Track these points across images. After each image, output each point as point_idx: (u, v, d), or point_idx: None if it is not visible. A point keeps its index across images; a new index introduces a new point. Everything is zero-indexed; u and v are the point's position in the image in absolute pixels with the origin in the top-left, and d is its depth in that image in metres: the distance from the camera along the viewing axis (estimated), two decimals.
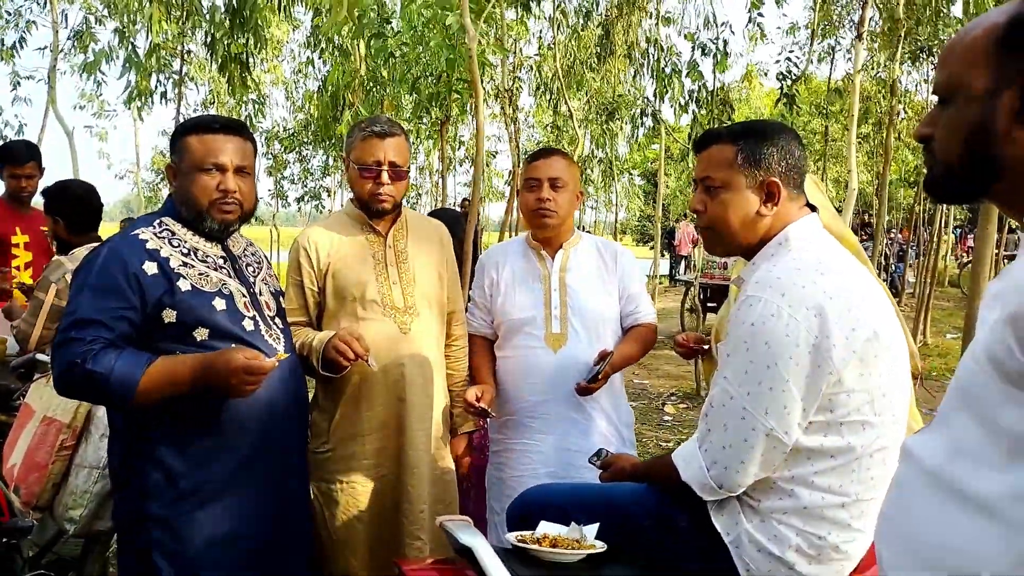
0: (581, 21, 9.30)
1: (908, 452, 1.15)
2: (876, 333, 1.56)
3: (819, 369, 1.50)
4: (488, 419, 2.62)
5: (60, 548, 2.90)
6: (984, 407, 1.01)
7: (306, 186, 16.52)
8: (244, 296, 2.09)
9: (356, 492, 2.37)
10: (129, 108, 5.97)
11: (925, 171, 1.18)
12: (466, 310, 2.74)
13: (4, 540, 2.02)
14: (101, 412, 2.54)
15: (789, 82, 8.09)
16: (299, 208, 17.93)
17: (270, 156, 12.94)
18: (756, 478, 1.57)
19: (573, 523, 1.72)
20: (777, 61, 8.29)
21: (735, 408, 1.55)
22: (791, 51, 8.36)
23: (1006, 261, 11.55)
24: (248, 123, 9.01)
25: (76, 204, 3.28)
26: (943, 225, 11.14)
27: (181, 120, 7.58)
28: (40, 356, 2.93)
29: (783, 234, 1.67)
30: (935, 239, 11.20)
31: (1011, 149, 1.02)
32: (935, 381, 7.74)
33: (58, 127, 7.80)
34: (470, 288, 2.87)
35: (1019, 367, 0.95)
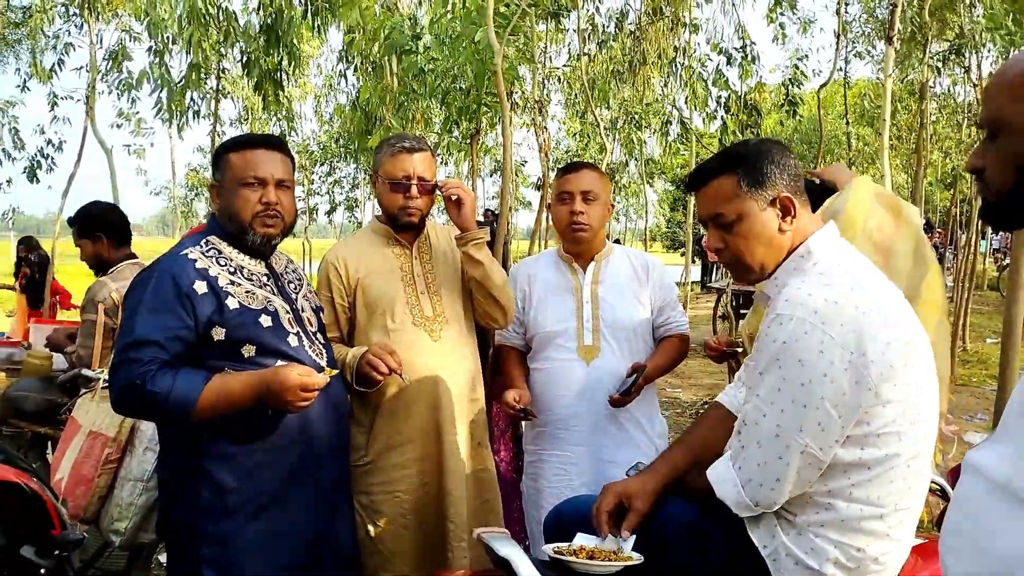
0: (612, 31, 9.33)
1: (972, 465, 1.16)
2: (908, 342, 1.55)
3: (856, 386, 1.49)
4: (525, 423, 2.66)
5: (105, 562, 2.98)
6: None
7: (333, 200, 16.74)
8: (288, 313, 2.14)
9: (400, 501, 2.41)
10: (167, 124, 6.10)
11: (980, 200, 1.22)
12: None
13: (56, 552, 2.08)
14: (145, 426, 2.60)
15: (796, 89, 8.05)
16: (330, 220, 18.17)
17: (300, 169, 13.15)
18: (792, 495, 1.56)
19: (610, 535, 1.73)
20: (785, 67, 8.21)
21: (769, 426, 1.54)
22: (802, 56, 8.30)
23: None
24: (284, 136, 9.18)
25: (113, 219, 3.40)
26: (979, 228, 10.95)
27: (217, 136, 7.76)
28: (85, 371, 3.02)
29: (804, 246, 1.66)
30: (972, 242, 11.00)
31: None
32: (975, 387, 7.60)
33: (97, 146, 8.01)
34: None
35: None
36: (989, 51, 8.62)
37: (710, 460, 1.71)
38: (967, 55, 8.83)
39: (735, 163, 1.68)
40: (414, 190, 2.42)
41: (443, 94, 4.10)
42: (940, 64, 9.13)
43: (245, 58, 5.81)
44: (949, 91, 11.07)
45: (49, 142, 8.75)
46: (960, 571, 1.12)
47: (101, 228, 3.35)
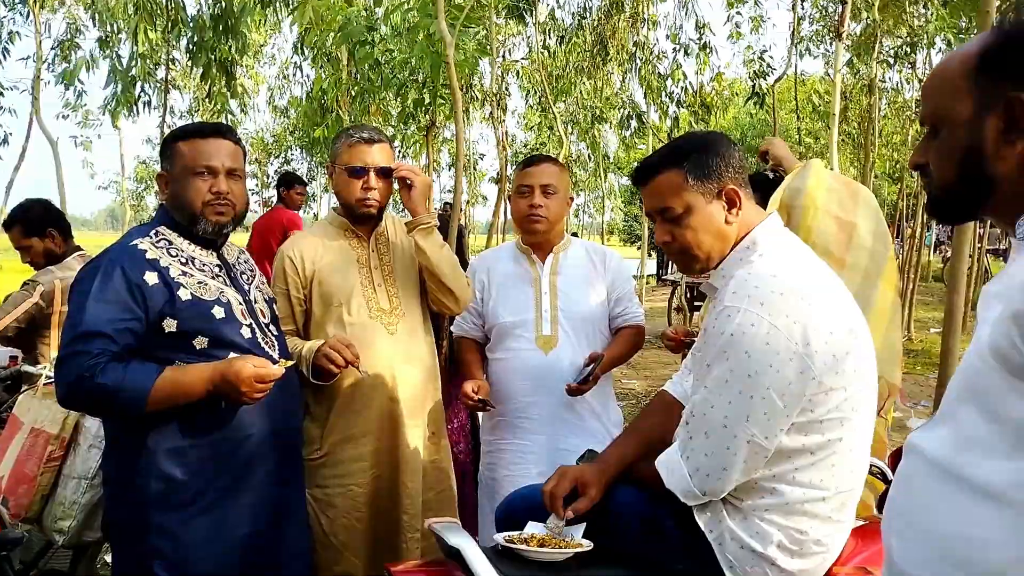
0: (572, 26, 9.38)
1: (914, 447, 1.20)
2: (851, 331, 1.59)
3: (801, 376, 1.52)
4: (483, 414, 2.67)
5: (48, 561, 2.91)
6: (990, 400, 1.06)
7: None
8: (241, 304, 2.11)
9: (354, 495, 2.40)
10: (115, 121, 5.97)
11: (926, 195, 1.26)
12: None
13: None
14: (89, 422, 2.54)
15: (762, 82, 8.19)
16: None
17: (254, 162, 12.94)
18: (738, 483, 1.60)
19: (558, 524, 1.75)
20: (751, 60, 8.36)
21: (716, 417, 1.56)
22: (765, 49, 8.47)
23: (988, 255, 11.70)
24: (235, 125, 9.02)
25: (56, 214, 3.34)
26: (924, 221, 11.28)
27: (167, 128, 7.58)
28: (27, 368, 2.93)
29: (749, 238, 1.68)
30: (918, 235, 11.31)
31: (1001, 167, 1.10)
32: (919, 375, 7.82)
33: (43, 137, 7.79)
34: None
35: (1023, 361, 1.00)
36: (940, 50, 8.87)
37: (658, 448, 1.73)
38: (918, 52, 9.08)
39: (681, 157, 1.69)
40: (372, 180, 2.40)
41: (399, 86, 4.07)
42: (890, 60, 9.36)
43: (193, 47, 5.69)
44: (898, 87, 11.36)
45: None
46: (902, 551, 1.16)
47: (52, 224, 3.28)
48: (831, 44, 8.96)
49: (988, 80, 1.10)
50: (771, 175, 2.71)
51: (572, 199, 2.80)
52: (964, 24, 7.91)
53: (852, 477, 1.64)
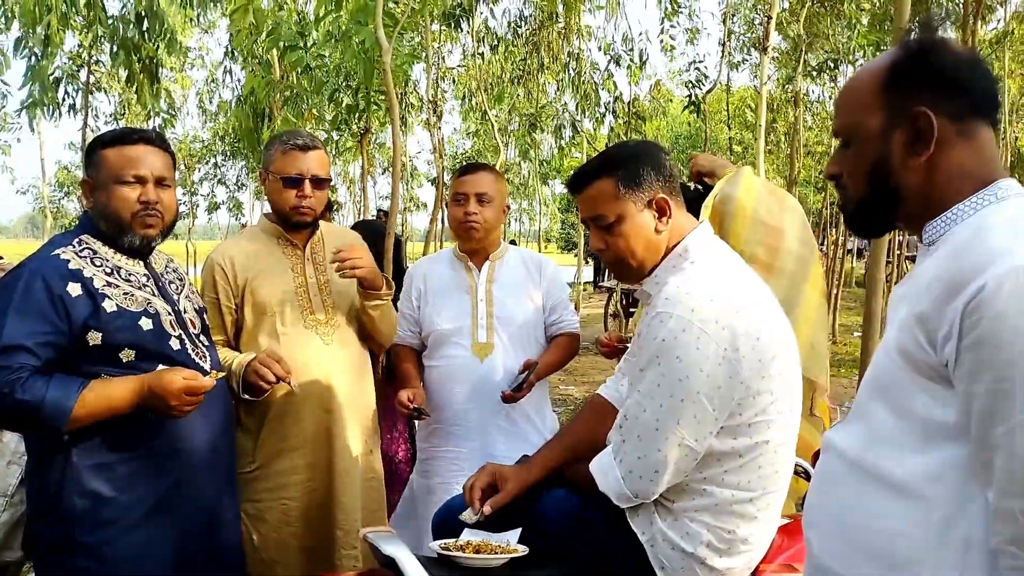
0: (507, 34, 9.45)
1: (829, 444, 1.26)
2: (778, 337, 1.66)
3: (730, 380, 1.57)
4: (419, 422, 2.66)
5: None
6: (898, 397, 1.13)
7: (213, 198, 16.16)
8: (170, 315, 2.06)
9: (287, 509, 2.36)
10: (32, 123, 5.72)
11: (841, 208, 1.32)
12: None
13: None
14: (8, 437, 2.43)
15: (698, 91, 8.41)
16: (209, 218, 17.51)
17: (181, 169, 12.59)
18: (669, 485, 1.64)
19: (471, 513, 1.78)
20: (686, 70, 8.64)
21: (648, 420, 1.60)
22: (701, 60, 8.70)
23: (907, 262, 12.24)
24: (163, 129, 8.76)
25: None
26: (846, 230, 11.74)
27: (90, 132, 7.33)
28: None
29: (682, 245, 1.73)
30: (840, 242, 11.75)
31: (907, 178, 1.16)
32: (843, 377, 8.11)
33: None
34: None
35: (927, 360, 1.07)
36: (860, 64, 9.26)
37: (587, 452, 1.77)
38: (840, 67, 9.45)
39: (614, 166, 1.73)
40: (307, 188, 2.36)
41: (331, 92, 4.03)
42: (814, 74, 9.72)
43: (116, 47, 5.51)
44: (821, 100, 11.80)
45: None
46: (820, 544, 1.21)
47: None
48: (757, 57, 9.28)
49: (896, 95, 1.16)
50: (699, 188, 2.78)
51: (508, 207, 2.82)
52: (885, 40, 8.28)
53: (778, 477, 1.70)
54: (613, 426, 1.70)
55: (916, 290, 1.11)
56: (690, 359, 1.55)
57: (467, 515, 1.76)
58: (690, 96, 8.70)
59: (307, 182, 2.37)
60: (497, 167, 8.08)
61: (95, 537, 1.91)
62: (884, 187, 1.18)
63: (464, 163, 2.98)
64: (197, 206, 15.86)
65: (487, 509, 1.76)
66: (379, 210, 12.12)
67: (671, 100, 13.68)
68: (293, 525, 2.36)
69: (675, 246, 1.73)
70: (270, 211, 2.52)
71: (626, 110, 9.30)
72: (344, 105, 4.13)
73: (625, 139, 9.64)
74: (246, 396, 2.26)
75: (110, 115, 10.93)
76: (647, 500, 1.66)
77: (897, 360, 1.12)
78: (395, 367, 2.79)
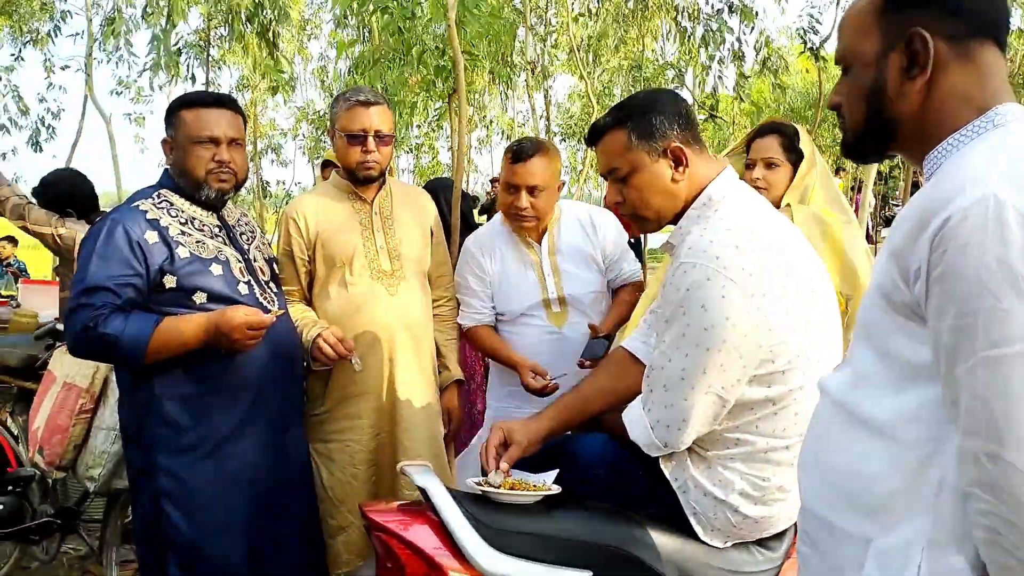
0: None
1: (822, 387, 1.23)
2: (808, 280, 1.60)
3: (758, 328, 1.53)
4: (493, 381, 2.71)
5: (87, 508, 3.10)
6: (878, 337, 1.09)
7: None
8: (240, 262, 2.22)
9: (353, 451, 2.49)
10: (153, 80, 6.17)
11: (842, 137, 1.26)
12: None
13: (11, 488, 2.18)
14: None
15: (813, 37, 7.96)
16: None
17: (303, 137, 13.14)
18: (699, 434, 1.62)
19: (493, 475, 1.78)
20: (800, 17, 8.18)
21: (674, 370, 1.58)
22: (813, 5, 8.21)
23: None
24: (284, 98, 9.14)
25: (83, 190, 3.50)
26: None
27: None
28: (60, 326, 3.11)
29: (705, 194, 1.68)
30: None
31: (902, 105, 1.11)
32: None
33: (97, 114, 8.08)
34: (457, 252, 2.93)
35: (903, 298, 1.03)
36: None
37: (604, 404, 1.80)
38: None
39: (625, 117, 1.70)
40: (371, 143, 2.44)
41: (419, 54, 4.11)
42: None
43: (232, 19, 5.83)
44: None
45: (48, 110, 8.85)
46: (807, 486, 1.19)
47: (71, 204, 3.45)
48: None
49: (892, 16, 1.10)
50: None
51: (563, 184, 2.73)
52: None
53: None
54: (643, 376, 1.70)
55: (896, 227, 1.06)
56: (716, 308, 1.52)
57: (492, 477, 1.76)
58: (805, 42, 8.24)
59: (371, 138, 2.44)
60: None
61: (177, 463, 2.12)
62: (880, 114, 1.12)
63: (517, 145, 2.64)
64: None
65: (504, 466, 1.77)
66: (493, 180, 12.17)
67: (788, 51, 13.01)
68: (357, 467, 2.49)
69: (698, 195, 1.69)
70: (340, 168, 2.61)
71: (744, 61, 8.90)
72: (432, 67, 4.19)
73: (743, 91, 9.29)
74: (314, 366, 2.39)
75: (232, 87, 11.54)
76: (677, 449, 1.65)
77: (878, 300, 1.07)
78: (485, 351, 2.77)
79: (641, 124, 1.68)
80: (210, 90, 7.60)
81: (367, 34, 6.64)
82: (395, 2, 3.93)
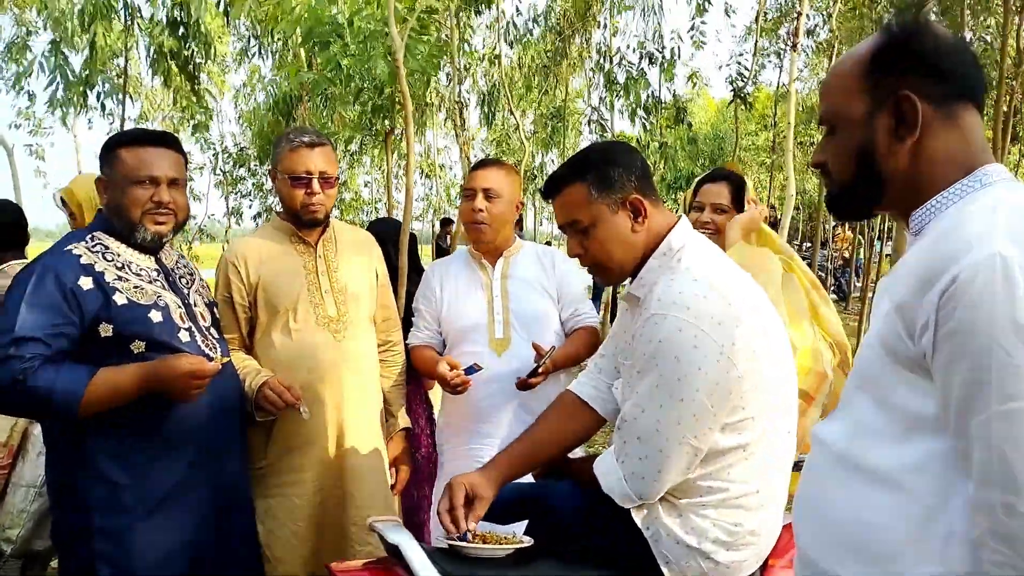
0: (532, 30, 9.44)
1: (816, 437, 1.25)
2: (769, 327, 1.65)
3: (728, 376, 1.55)
4: (439, 418, 2.69)
5: None
6: (880, 389, 1.12)
7: (264, 202, 16.28)
8: (180, 307, 2.11)
9: (295, 505, 2.37)
10: (64, 118, 5.89)
11: (826, 194, 1.31)
12: (402, 318, 2.78)
13: None
14: (38, 430, 2.52)
15: (740, 84, 8.31)
16: (257, 225, 17.56)
17: (220, 172, 12.74)
18: (673, 483, 1.62)
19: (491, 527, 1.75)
20: (728, 65, 8.54)
21: (648, 422, 1.59)
22: (740, 54, 8.60)
23: None
24: (200, 136, 8.90)
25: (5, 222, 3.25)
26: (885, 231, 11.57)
27: None
28: None
29: (665, 244, 1.71)
30: (875, 246, 11.54)
31: (892, 163, 1.15)
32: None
33: None
34: (404, 296, 2.91)
35: (907, 351, 1.06)
36: None
37: (554, 450, 1.82)
38: None
39: (584, 170, 1.72)
40: (315, 185, 2.38)
41: (356, 91, 4.07)
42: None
43: (152, 52, 5.65)
44: None
45: None
46: (807, 537, 1.21)
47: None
48: (786, 55, 9.16)
49: (879, 80, 1.15)
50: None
51: (522, 203, 2.81)
52: None
53: (782, 464, 1.69)
54: (615, 429, 1.70)
55: (897, 281, 1.11)
56: (688, 359, 1.54)
57: (457, 542, 1.68)
58: (734, 90, 8.59)
59: (315, 180, 2.38)
60: (521, 168, 8.09)
61: (113, 523, 1.97)
62: (870, 172, 1.17)
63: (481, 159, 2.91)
64: (240, 211, 15.90)
65: (472, 525, 1.72)
66: (445, 218, 12.02)
67: (707, 85, 13.47)
68: (299, 523, 2.37)
69: (656, 245, 1.72)
70: (281, 209, 2.54)
71: (656, 108, 9.23)
72: (370, 105, 4.16)
73: (658, 135, 9.60)
74: (257, 416, 2.29)
75: (136, 118, 11.12)
76: (650, 500, 1.65)
77: (879, 352, 1.11)
78: (416, 362, 2.76)
79: (600, 177, 1.70)
80: (143, 126, 7.33)
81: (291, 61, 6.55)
82: (336, 40, 3.90)
